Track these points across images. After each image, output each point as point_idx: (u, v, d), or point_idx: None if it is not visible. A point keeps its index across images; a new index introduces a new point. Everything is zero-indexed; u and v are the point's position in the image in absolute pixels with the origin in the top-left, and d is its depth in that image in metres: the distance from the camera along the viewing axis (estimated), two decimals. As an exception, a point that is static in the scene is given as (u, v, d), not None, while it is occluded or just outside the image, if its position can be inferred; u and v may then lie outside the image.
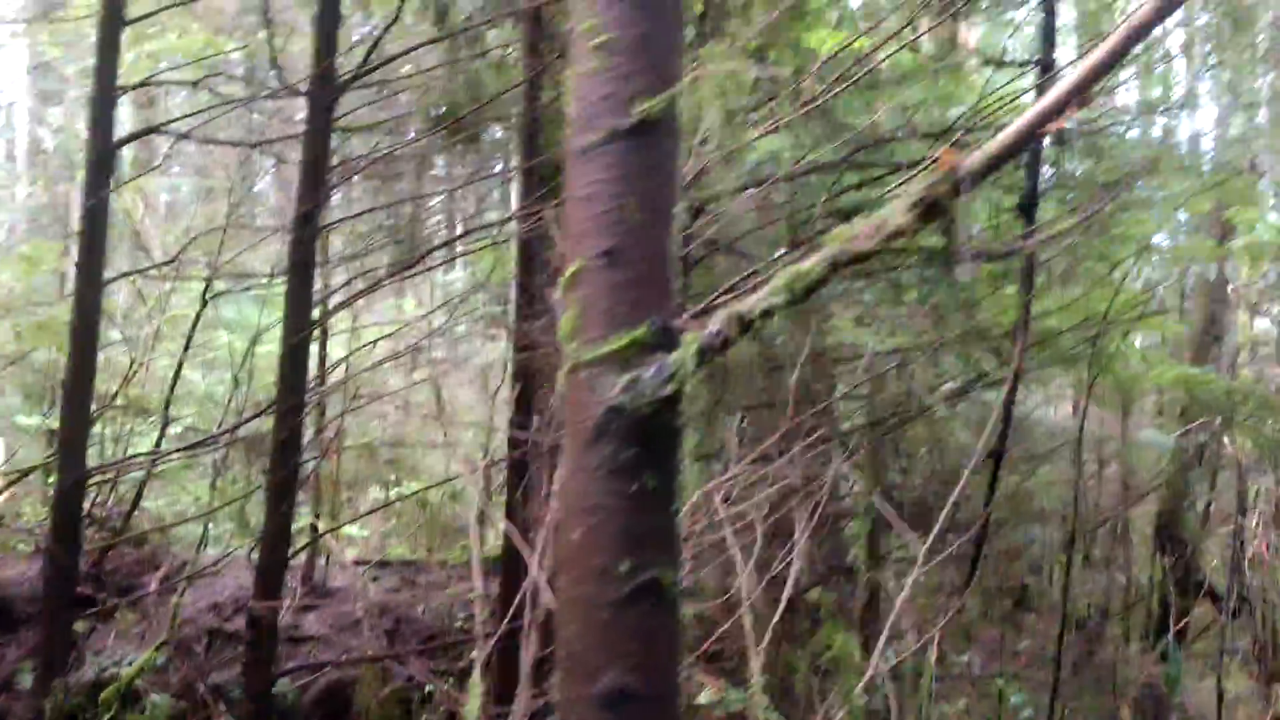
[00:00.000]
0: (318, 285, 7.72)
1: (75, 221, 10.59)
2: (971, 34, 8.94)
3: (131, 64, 8.34)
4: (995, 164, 1.68)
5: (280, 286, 7.87)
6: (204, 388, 10.57)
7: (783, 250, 3.81)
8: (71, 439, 5.74)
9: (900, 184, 3.78)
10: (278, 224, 8.35)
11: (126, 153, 9.58)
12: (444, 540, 9.83)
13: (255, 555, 5.31)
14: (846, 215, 3.89)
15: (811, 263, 1.74)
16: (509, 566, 6.52)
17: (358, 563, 9.30)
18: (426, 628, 9.02)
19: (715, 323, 1.84)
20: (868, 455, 5.87)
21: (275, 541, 5.28)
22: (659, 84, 1.89)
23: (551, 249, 6.92)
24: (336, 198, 9.02)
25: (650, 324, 1.88)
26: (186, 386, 9.64)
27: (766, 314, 1.80)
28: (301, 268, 5.38)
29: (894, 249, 1.69)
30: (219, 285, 7.83)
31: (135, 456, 6.82)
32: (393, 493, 9.62)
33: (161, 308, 8.81)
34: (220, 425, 7.62)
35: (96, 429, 8.20)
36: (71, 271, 11.85)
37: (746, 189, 4.75)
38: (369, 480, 11.08)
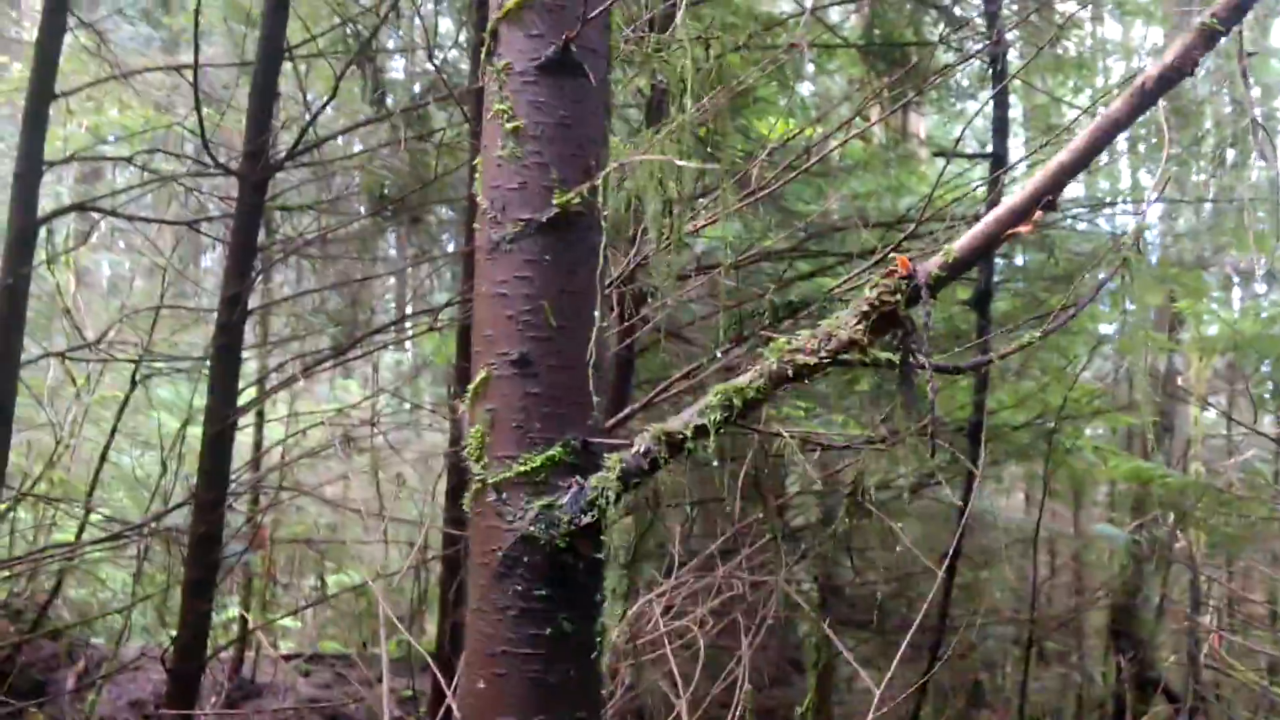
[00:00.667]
0: (254, 367, 7.45)
1: None
2: (921, 124, 8.97)
3: (68, 137, 8.12)
4: (958, 269, 1.50)
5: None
6: (135, 471, 10.17)
7: (726, 345, 3.63)
8: (-25, 529, 5.39)
9: (849, 278, 3.62)
10: (214, 304, 8.09)
11: (65, 227, 9.30)
12: (380, 633, 9.40)
13: (169, 656, 4.95)
14: (793, 310, 3.73)
15: (750, 377, 1.54)
16: (442, 665, 6.20)
17: (288, 657, 8.88)
18: (359, 727, 8.60)
19: (642, 442, 1.62)
20: (819, 554, 5.66)
21: (191, 643, 4.93)
22: (580, 173, 1.70)
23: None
24: (280, 277, 8.79)
25: (568, 442, 1.67)
26: (115, 470, 9.25)
27: (701, 433, 1.58)
28: (227, 352, 5.12)
29: (842, 362, 1.49)
30: (152, 366, 7.52)
31: (48, 549, 6.44)
32: (330, 581, 9.22)
33: (91, 388, 8.45)
34: (148, 512, 7.25)
35: (22, 513, 7.80)
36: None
37: (694, 275, 4.59)
38: (304, 568, 10.66)
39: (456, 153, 6.61)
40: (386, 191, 7.11)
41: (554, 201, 1.68)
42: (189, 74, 6.38)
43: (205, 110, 5.39)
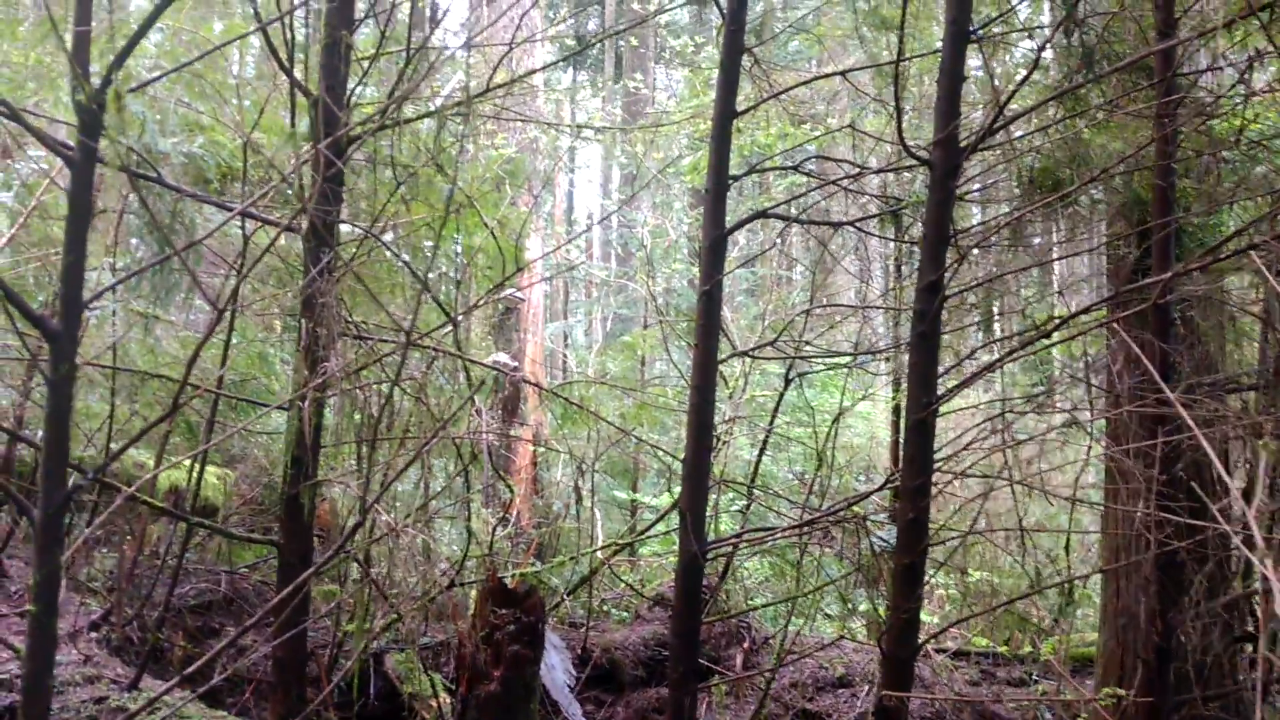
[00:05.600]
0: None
1: (653, 313, 11.47)
2: None
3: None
4: None
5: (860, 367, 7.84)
6: (767, 466, 10.81)
7: None
8: (692, 512, 5.91)
9: None
10: (854, 304, 8.40)
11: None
12: (1024, 632, 9.16)
13: (883, 642, 5.08)
14: None
15: None
16: (1155, 678, 5.77)
17: (939, 651, 8.89)
18: (1011, 727, 8.41)
19: None
20: None
21: (905, 629, 5.01)
22: None
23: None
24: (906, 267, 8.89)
25: None
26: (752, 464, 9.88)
27: None
28: (926, 340, 5.16)
29: None
30: (810, 363, 7.90)
31: (747, 532, 6.93)
32: (970, 580, 9.11)
33: (743, 388, 9.10)
34: (806, 503, 7.59)
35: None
36: (649, 356, 12.86)
37: None
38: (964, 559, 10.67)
39: (1111, 128, 6.22)
40: (1030, 175, 6.89)
41: None
42: (851, 79, 6.63)
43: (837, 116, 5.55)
